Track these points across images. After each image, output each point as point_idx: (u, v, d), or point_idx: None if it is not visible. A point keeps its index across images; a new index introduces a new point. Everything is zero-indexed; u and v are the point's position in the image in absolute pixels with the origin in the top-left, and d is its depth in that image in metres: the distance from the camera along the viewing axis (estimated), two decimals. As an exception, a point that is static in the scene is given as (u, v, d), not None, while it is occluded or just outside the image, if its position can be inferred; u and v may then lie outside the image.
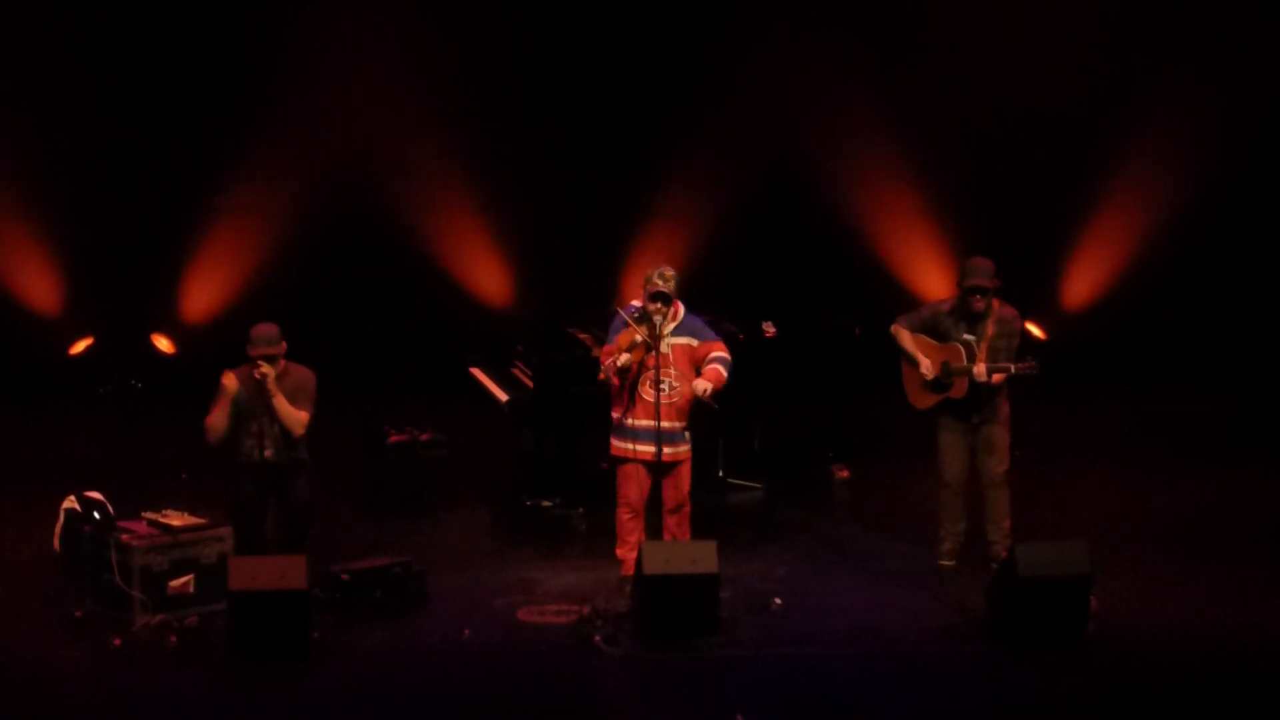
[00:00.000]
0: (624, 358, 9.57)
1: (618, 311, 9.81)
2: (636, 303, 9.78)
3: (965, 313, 9.92)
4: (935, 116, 16.13)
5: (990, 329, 9.87)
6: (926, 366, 9.97)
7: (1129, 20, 15.95)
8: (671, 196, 16.10)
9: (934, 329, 10.06)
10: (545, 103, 16.02)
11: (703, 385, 9.57)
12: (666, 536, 9.74)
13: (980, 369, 9.77)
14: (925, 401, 10.12)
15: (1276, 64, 15.83)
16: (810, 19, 15.97)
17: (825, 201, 16.22)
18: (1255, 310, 16.12)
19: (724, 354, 9.73)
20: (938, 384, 9.97)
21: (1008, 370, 9.76)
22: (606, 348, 9.79)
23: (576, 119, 16.05)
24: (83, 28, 15.57)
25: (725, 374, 9.67)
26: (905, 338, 10.10)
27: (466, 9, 15.89)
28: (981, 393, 9.88)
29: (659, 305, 9.59)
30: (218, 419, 9.72)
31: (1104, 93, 16.08)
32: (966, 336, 9.89)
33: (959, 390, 9.91)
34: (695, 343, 9.73)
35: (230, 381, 9.70)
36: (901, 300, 15.98)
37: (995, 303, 9.92)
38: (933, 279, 16.26)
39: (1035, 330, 15.05)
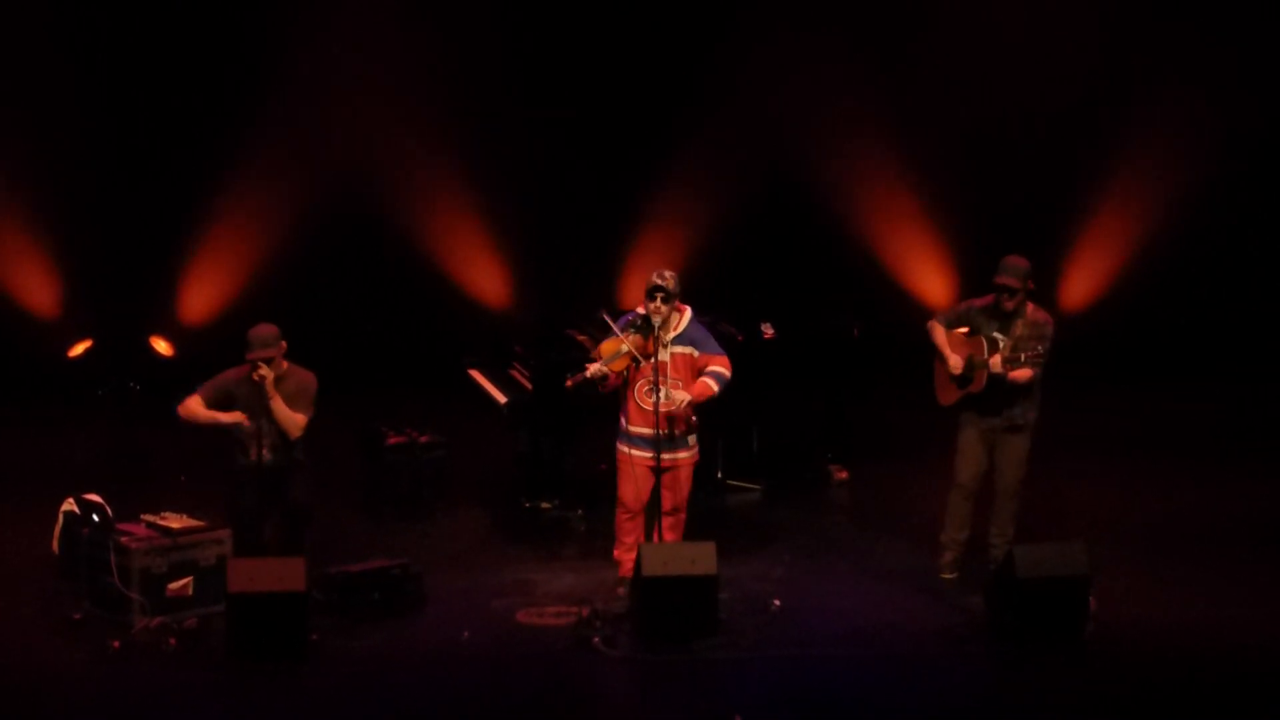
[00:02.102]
0: (593, 368, 9.51)
1: (606, 320, 9.66)
2: (640, 310, 9.65)
3: (997, 310, 9.89)
4: (935, 117, 16.12)
5: (1019, 329, 9.80)
6: (954, 363, 9.90)
7: (1129, 20, 15.95)
8: (671, 197, 16.10)
9: (968, 325, 10.01)
10: (545, 103, 16.02)
11: (681, 396, 9.45)
12: (656, 538, 9.64)
13: (995, 360, 9.72)
14: (949, 397, 10.06)
15: (1276, 64, 15.83)
16: (810, 19, 15.97)
17: (824, 202, 16.23)
18: (1255, 310, 16.12)
19: (722, 369, 9.60)
20: (962, 379, 9.93)
21: (1017, 361, 9.68)
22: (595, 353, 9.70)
23: (576, 120, 16.05)
24: (83, 28, 15.58)
25: (716, 389, 9.54)
26: (939, 333, 10.00)
27: (466, 9, 15.89)
28: (1002, 391, 9.82)
29: (658, 304, 9.50)
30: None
31: (1104, 93, 16.08)
32: (995, 334, 9.86)
33: (978, 384, 9.87)
34: (696, 353, 9.60)
35: (226, 415, 9.71)
36: (901, 301, 16.04)
37: (1030, 305, 9.87)
38: (932, 279, 16.26)
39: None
